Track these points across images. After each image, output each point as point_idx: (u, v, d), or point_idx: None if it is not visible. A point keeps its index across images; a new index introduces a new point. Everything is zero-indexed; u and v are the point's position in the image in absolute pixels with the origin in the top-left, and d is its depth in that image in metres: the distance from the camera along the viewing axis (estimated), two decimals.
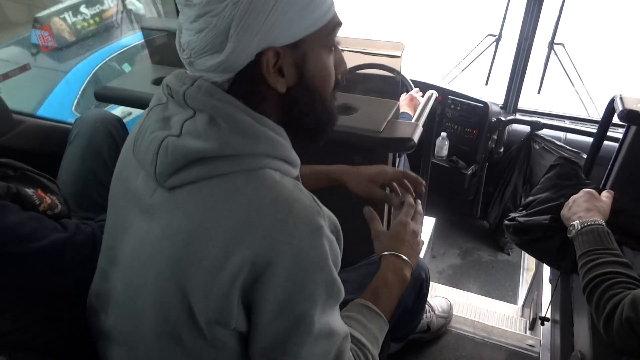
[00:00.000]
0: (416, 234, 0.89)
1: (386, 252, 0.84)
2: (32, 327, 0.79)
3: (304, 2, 0.57)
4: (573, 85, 2.47)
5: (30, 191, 0.85)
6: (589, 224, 0.95)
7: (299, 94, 0.63)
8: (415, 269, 1.04)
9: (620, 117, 1.26)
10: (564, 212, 1.08)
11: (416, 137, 1.15)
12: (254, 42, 0.56)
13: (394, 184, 1.01)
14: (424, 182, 1.02)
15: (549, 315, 1.36)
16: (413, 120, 1.27)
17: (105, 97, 1.39)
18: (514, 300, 2.26)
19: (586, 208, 1.01)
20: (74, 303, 0.86)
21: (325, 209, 0.62)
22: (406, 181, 1.01)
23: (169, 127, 0.60)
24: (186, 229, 0.56)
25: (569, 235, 1.00)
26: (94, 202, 1.17)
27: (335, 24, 0.62)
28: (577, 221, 0.97)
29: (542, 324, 1.45)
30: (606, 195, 1.09)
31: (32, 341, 0.78)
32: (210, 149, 0.56)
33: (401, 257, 0.83)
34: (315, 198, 0.62)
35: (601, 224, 0.95)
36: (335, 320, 0.64)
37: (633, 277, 0.82)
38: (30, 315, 0.79)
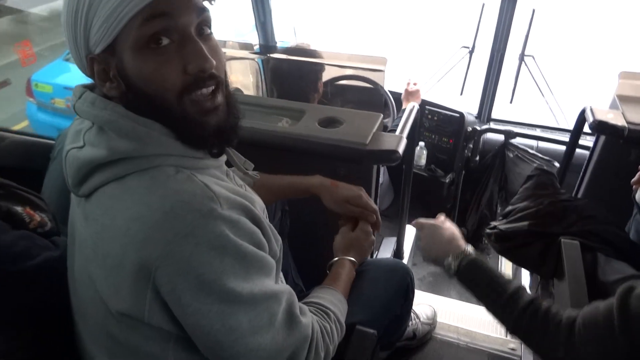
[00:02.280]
0: (372, 242, 1.04)
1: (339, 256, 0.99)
2: (28, 347, 0.77)
3: (105, 10, 0.56)
4: (543, 95, 2.57)
5: (19, 209, 0.84)
6: (461, 256, 0.93)
7: (137, 100, 0.62)
8: (400, 275, 1.08)
9: (591, 128, 1.33)
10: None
11: (401, 149, 1.19)
12: (81, 51, 0.62)
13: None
14: (379, 225, 1.05)
15: None
16: (397, 132, 1.31)
17: None
18: None
19: (447, 240, 0.99)
20: (64, 321, 0.85)
21: (224, 193, 0.62)
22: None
23: (78, 140, 0.65)
24: (94, 232, 0.62)
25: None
26: None
27: (146, 16, 0.57)
28: (450, 257, 0.95)
29: None
30: (441, 216, 1.10)
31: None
32: (100, 156, 0.61)
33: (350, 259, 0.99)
34: (210, 185, 0.61)
35: (470, 253, 0.94)
36: (266, 284, 0.64)
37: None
38: (29, 331, 0.78)
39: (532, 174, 1.52)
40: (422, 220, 1.10)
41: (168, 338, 0.64)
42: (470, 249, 0.95)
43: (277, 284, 0.68)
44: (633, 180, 1.16)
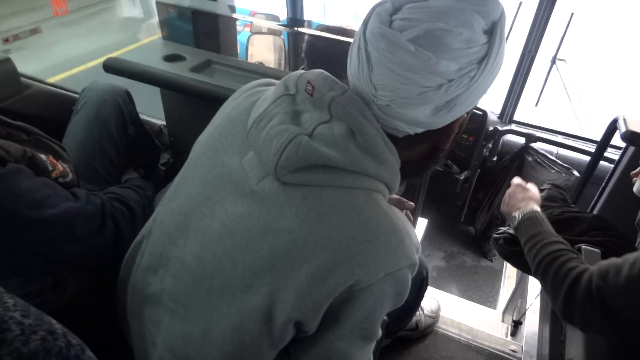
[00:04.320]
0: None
1: None
2: (37, 295, 0.78)
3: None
4: (571, 101, 2.51)
5: (43, 157, 0.84)
6: (527, 212, 1.02)
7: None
8: (418, 268, 1.06)
9: (623, 138, 1.30)
10: (503, 208, 1.14)
11: None
12: (462, 111, 0.59)
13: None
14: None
15: (535, 323, 1.40)
16: None
17: (114, 69, 1.36)
18: (493, 306, 2.31)
19: (521, 198, 1.08)
20: (81, 273, 0.86)
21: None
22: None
23: (299, 124, 0.59)
24: (297, 230, 0.56)
25: (512, 227, 1.06)
26: (96, 173, 1.16)
27: None
28: (517, 212, 1.03)
29: (516, 326, 1.49)
30: (531, 184, 1.17)
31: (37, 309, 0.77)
32: (342, 161, 0.55)
33: None
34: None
35: (537, 211, 1.02)
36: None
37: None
38: (36, 284, 0.78)
39: (543, 188, 1.52)
40: (516, 180, 1.16)
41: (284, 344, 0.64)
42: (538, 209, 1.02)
43: None
44: (633, 172, 1.14)
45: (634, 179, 1.14)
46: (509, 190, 1.15)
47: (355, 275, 0.55)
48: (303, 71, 0.64)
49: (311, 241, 0.55)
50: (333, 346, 0.61)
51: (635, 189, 1.13)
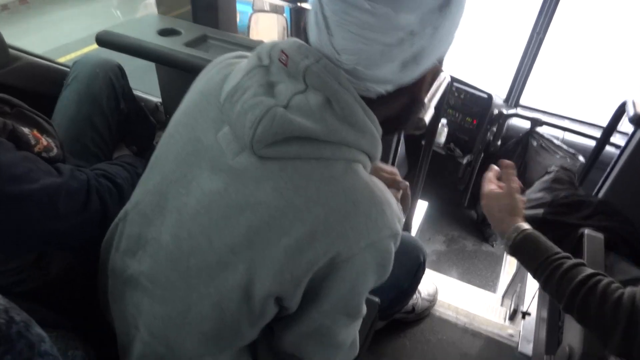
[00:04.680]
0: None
1: None
2: (17, 273, 0.76)
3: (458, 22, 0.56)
4: (578, 86, 2.46)
5: (26, 130, 0.81)
6: (517, 235, 0.86)
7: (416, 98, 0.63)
8: (414, 252, 1.03)
9: (631, 121, 1.26)
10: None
11: (427, 118, 1.13)
12: (431, 62, 0.56)
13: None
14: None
15: (533, 308, 1.38)
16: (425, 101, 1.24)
17: (107, 42, 1.32)
18: (493, 291, 2.30)
19: (500, 219, 0.91)
20: (65, 251, 0.84)
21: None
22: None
23: (274, 95, 0.57)
24: (274, 204, 0.54)
25: (506, 248, 0.89)
26: (86, 149, 1.13)
27: None
28: (505, 239, 0.88)
29: (524, 318, 1.47)
30: (506, 185, 0.95)
31: (17, 286, 0.75)
32: (319, 131, 0.54)
33: None
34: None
35: (526, 230, 0.86)
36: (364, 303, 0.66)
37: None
38: (17, 261, 0.76)
39: (551, 170, 1.48)
40: (486, 188, 0.96)
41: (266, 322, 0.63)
42: (525, 224, 0.88)
43: None
44: None
45: None
46: (483, 203, 0.96)
47: (335, 246, 0.53)
48: (277, 41, 0.61)
49: (289, 214, 0.54)
50: (316, 323, 0.60)
51: None
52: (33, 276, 0.78)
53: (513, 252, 0.87)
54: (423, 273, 1.09)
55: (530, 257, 0.84)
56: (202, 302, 0.59)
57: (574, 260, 0.80)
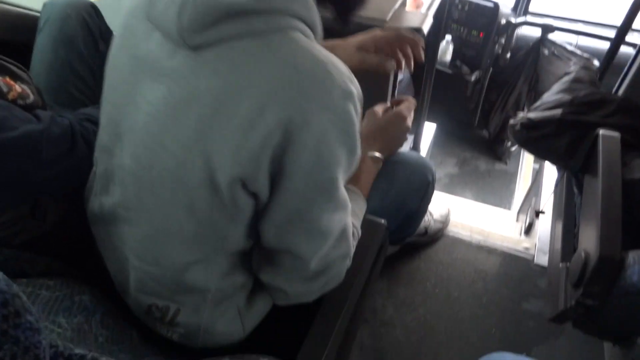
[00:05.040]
0: (408, 129, 0.92)
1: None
2: (13, 224, 0.75)
3: None
4: None
5: None
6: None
7: None
8: (422, 172, 1.00)
9: None
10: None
11: (426, 28, 1.05)
12: None
13: (393, 48, 0.92)
14: (421, 43, 0.92)
15: (548, 217, 1.35)
16: (423, 11, 1.15)
17: None
18: (508, 208, 2.28)
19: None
20: (58, 198, 0.82)
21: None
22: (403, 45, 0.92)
23: None
24: (215, 88, 0.52)
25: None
26: (71, 96, 1.08)
27: None
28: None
29: (537, 217, 1.45)
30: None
31: (15, 237, 0.74)
32: (245, 2, 0.51)
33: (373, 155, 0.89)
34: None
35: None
36: (345, 191, 0.63)
37: None
38: (10, 212, 0.75)
39: (571, 70, 1.39)
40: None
41: (246, 218, 0.60)
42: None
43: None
44: None
45: None
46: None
47: (286, 112, 0.51)
48: None
49: (234, 94, 0.51)
50: (291, 205, 0.57)
51: None
52: (29, 227, 0.77)
53: None
54: (432, 193, 1.06)
55: None
56: (175, 210, 0.58)
57: None
